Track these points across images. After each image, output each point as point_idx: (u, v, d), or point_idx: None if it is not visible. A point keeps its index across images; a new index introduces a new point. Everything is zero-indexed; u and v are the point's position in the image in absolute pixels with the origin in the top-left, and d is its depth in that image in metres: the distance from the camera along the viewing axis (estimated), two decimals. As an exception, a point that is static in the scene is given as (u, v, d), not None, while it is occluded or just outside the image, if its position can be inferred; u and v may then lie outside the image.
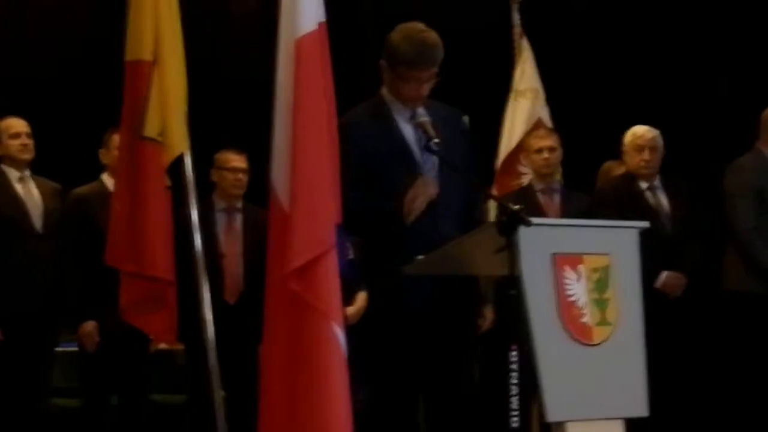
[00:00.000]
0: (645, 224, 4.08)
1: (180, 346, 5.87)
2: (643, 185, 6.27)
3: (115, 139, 5.66)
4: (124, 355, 5.75)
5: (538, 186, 6.26)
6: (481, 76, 7.61)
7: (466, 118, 4.49)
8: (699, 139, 7.48)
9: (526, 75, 7.27)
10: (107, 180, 5.88)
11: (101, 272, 4.94)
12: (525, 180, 6.84)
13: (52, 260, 5.79)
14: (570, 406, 3.77)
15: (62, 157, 6.78)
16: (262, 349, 4.07)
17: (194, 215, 4.56)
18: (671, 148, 6.38)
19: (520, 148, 6.98)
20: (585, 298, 3.86)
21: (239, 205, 6.08)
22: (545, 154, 6.21)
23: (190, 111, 4.53)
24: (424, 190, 4.04)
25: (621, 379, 3.89)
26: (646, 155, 6.24)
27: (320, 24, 3.98)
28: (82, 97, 7.41)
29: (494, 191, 6.67)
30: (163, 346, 6.08)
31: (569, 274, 3.84)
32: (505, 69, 7.32)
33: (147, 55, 4.42)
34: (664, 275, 6.08)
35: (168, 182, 4.56)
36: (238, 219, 6.06)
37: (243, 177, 6.04)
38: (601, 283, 3.90)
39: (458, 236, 4.01)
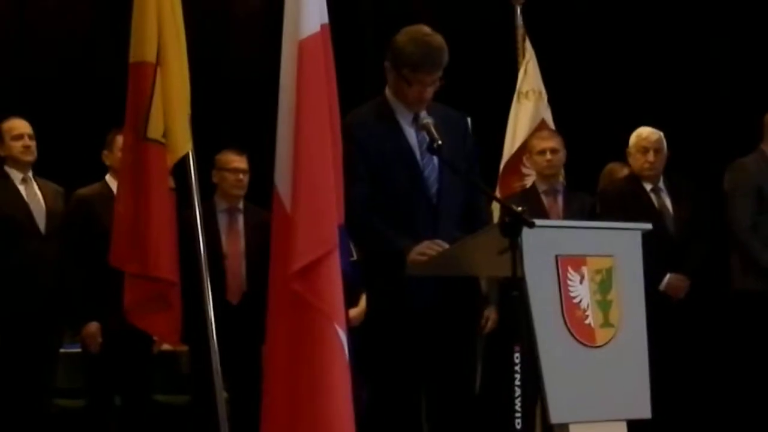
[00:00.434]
0: (648, 226, 4.08)
1: (183, 347, 5.87)
2: (648, 187, 6.27)
3: (118, 140, 5.68)
4: (127, 356, 5.75)
5: (542, 187, 6.26)
6: (484, 78, 7.61)
7: (468, 120, 4.50)
8: (702, 141, 7.48)
9: (529, 76, 7.26)
10: (111, 181, 5.88)
11: (104, 273, 4.96)
12: (528, 181, 6.83)
13: (55, 261, 5.78)
14: (573, 408, 3.78)
15: (65, 159, 6.78)
16: (265, 349, 4.08)
17: (198, 216, 4.56)
18: (675, 149, 6.38)
19: (524, 149, 6.98)
20: (588, 299, 3.86)
21: (241, 205, 6.09)
22: (548, 156, 6.21)
23: (192, 112, 4.53)
24: (434, 248, 4.02)
25: (624, 381, 3.89)
26: (650, 157, 6.25)
27: (323, 26, 4.00)
28: (84, 98, 7.40)
29: (498, 192, 6.67)
30: (166, 346, 6.08)
31: (572, 276, 3.84)
32: (509, 70, 7.32)
33: (151, 57, 4.43)
34: (668, 277, 6.08)
35: (172, 183, 4.57)
36: (240, 219, 6.06)
37: (244, 177, 6.05)
38: (604, 285, 3.90)
39: (460, 238, 4.01)
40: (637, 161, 6.30)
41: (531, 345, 3.70)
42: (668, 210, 6.25)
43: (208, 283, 4.54)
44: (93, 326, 5.75)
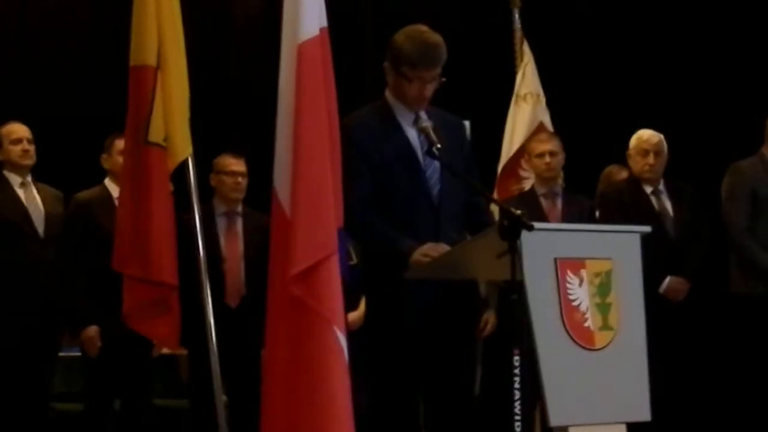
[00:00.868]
0: (647, 229, 4.08)
1: (183, 351, 5.87)
2: (648, 189, 6.28)
3: (117, 144, 5.69)
4: (127, 360, 5.74)
5: (540, 190, 6.26)
6: (482, 81, 7.62)
7: (467, 124, 4.51)
8: (702, 144, 7.48)
9: (527, 79, 7.27)
10: (110, 185, 5.89)
11: (104, 277, 4.96)
12: (526, 184, 6.84)
13: (54, 265, 5.78)
14: (572, 411, 3.78)
15: (64, 163, 6.78)
16: (264, 353, 4.08)
17: (198, 220, 4.57)
18: (675, 152, 6.38)
19: (522, 152, 6.99)
20: (587, 302, 3.87)
21: (239, 209, 6.09)
22: (547, 158, 6.21)
23: (191, 115, 4.54)
24: (437, 249, 4.02)
25: (623, 384, 3.89)
26: (650, 159, 6.25)
27: (322, 29, 4.00)
28: (83, 102, 7.41)
29: (495, 195, 6.68)
30: (165, 350, 6.08)
31: (571, 279, 3.84)
32: (507, 73, 7.32)
33: (151, 61, 4.43)
34: (668, 280, 6.09)
35: (171, 187, 4.57)
36: (239, 223, 6.06)
37: (242, 181, 6.05)
38: (603, 288, 3.90)
39: (458, 241, 4.01)
40: (637, 164, 6.30)
41: (530, 348, 3.70)
42: (668, 212, 6.25)
43: (208, 286, 4.54)
44: (92, 330, 5.74)
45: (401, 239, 4.03)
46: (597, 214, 6.27)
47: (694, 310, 6.15)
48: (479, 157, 4.45)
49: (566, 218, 6.05)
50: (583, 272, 3.87)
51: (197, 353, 5.27)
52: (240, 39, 8.03)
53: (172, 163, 4.48)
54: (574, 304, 3.84)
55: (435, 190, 4.16)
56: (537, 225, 3.70)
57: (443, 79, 4.17)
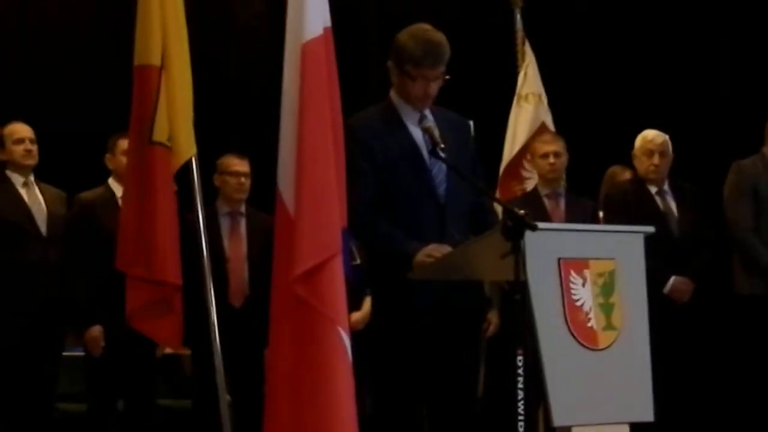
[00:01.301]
0: (650, 229, 4.08)
1: (186, 351, 5.87)
2: (653, 190, 6.28)
3: (121, 144, 5.69)
4: (130, 360, 5.75)
5: (544, 191, 6.26)
6: (484, 81, 7.62)
7: (471, 124, 4.51)
8: (706, 144, 7.48)
9: (528, 80, 7.28)
10: (113, 185, 5.89)
11: (107, 277, 4.96)
12: (528, 184, 6.85)
13: (57, 265, 5.79)
14: (575, 411, 3.78)
15: (68, 163, 6.78)
16: (268, 353, 4.08)
17: (201, 220, 4.57)
18: (679, 152, 6.38)
19: (524, 152, 6.99)
20: (591, 302, 3.87)
21: (243, 209, 6.10)
22: (551, 159, 6.21)
23: (194, 115, 4.54)
24: (440, 250, 4.02)
25: (626, 384, 3.89)
26: (655, 160, 6.25)
27: (326, 29, 4.00)
28: (86, 102, 7.41)
29: (498, 196, 6.68)
30: (169, 350, 6.08)
31: (575, 279, 3.84)
32: (508, 74, 7.33)
33: (155, 60, 4.44)
34: (672, 280, 6.09)
35: (175, 187, 4.58)
36: (242, 223, 6.07)
37: (245, 181, 6.06)
38: (606, 288, 3.90)
39: (461, 241, 4.01)
40: (642, 164, 6.29)
41: (533, 348, 3.70)
42: (673, 213, 6.24)
43: (212, 286, 4.54)
44: (96, 330, 5.75)
45: (405, 240, 4.03)
46: (600, 214, 6.27)
47: (697, 310, 6.15)
48: (481, 158, 4.45)
49: (570, 219, 6.05)
50: (587, 272, 3.87)
51: (200, 353, 5.27)
52: (244, 39, 8.04)
53: (176, 163, 4.48)
54: (578, 304, 3.84)
55: (441, 189, 4.16)
56: (540, 225, 3.70)
57: (447, 78, 4.17)
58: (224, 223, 6.04)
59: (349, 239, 4.14)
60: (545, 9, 7.71)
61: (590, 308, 3.86)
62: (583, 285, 3.86)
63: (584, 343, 3.83)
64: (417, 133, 4.18)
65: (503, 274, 3.75)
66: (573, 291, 3.83)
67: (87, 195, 5.94)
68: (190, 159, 4.53)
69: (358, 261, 5.42)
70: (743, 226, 6.10)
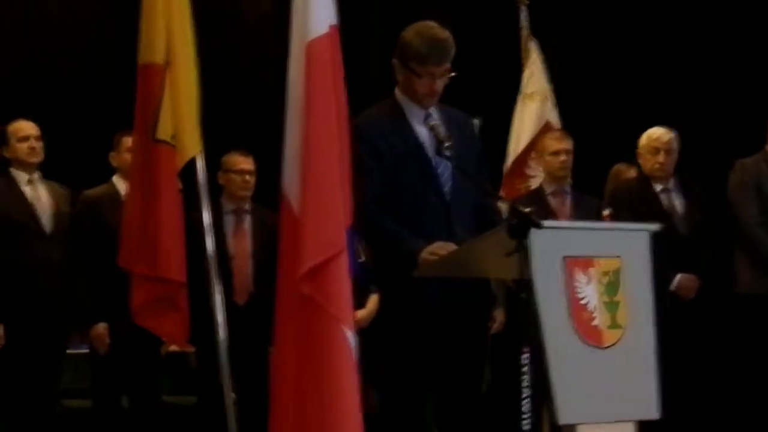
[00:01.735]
0: (656, 227, 4.07)
1: (191, 348, 5.88)
2: (658, 187, 6.27)
3: (125, 141, 5.70)
4: (135, 357, 5.75)
5: (549, 189, 6.25)
6: (489, 79, 7.61)
7: (477, 121, 4.51)
8: (711, 141, 7.47)
9: (534, 77, 7.28)
10: (118, 182, 5.89)
11: (111, 274, 4.97)
12: (533, 183, 6.84)
13: (61, 262, 5.79)
14: (581, 409, 3.77)
15: (72, 161, 6.79)
16: (273, 351, 4.08)
17: (207, 218, 4.57)
18: (685, 150, 6.37)
19: (528, 151, 6.98)
20: (596, 300, 3.86)
21: (247, 206, 6.10)
22: (562, 157, 6.20)
23: (200, 113, 4.54)
24: (445, 248, 4.02)
25: (632, 382, 3.88)
26: (661, 157, 6.25)
27: (331, 27, 3.99)
28: (91, 99, 7.42)
29: (502, 194, 6.67)
30: (174, 348, 6.08)
31: (580, 277, 3.84)
32: (514, 71, 7.32)
33: (160, 58, 4.44)
34: (678, 278, 6.09)
35: (180, 185, 4.58)
36: (247, 220, 6.07)
37: (250, 179, 6.06)
38: (611, 286, 3.90)
39: (466, 240, 4.01)
40: (647, 162, 6.29)
41: (539, 346, 3.70)
42: (678, 210, 6.24)
43: (217, 284, 4.54)
44: (101, 327, 5.75)
45: (410, 238, 4.03)
46: (605, 212, 6.26)
47: (704, 307, 6.14)
48: (485, 156, 4.45)
49: (576, 217, 6.04)
50: (592, 270, 3.87)
51: (205, 350, 5.27)
52: (249, 37, 8.04)
53: (181, 161, 4.49)
54: (583, 302, 3.84)
55: (446, 186, 4.16)
56: (545, 223, 3.69)
57: (453, 74, 4.17)
58: (229, 221, 6.04)
59: (354, 237, 4.14)
60: (550, 6, 7.70)
61: (595, 306, 3.85)
62: (588, 283, 3.85)
63: (589, 342, 3.82)
64: (422, 132, 4.18)
65: (508, 272, 3.74)
66: (578, 289, 3.83)
67: (91, 192, 5.94)
68: (196, 157, 4.53)
69: (363, 258, 5.42)
70: (751, 221, 6.10)
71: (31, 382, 5.82)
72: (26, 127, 5.96)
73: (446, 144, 4.03)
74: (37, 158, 5.96)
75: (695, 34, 7.90)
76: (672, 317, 4.94)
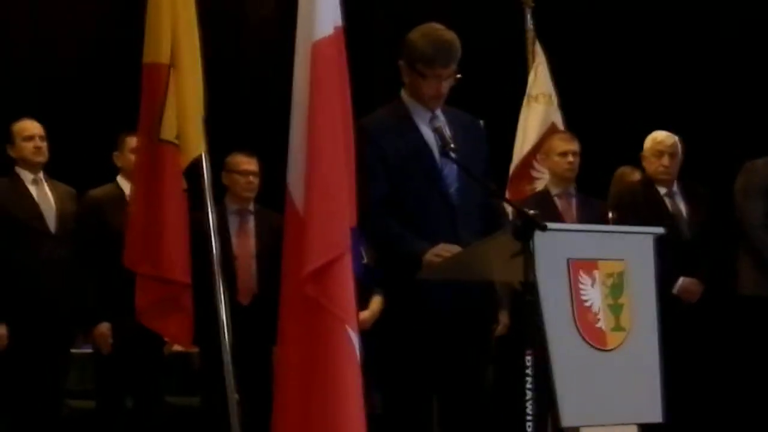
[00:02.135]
0: (660, 230, 4.08)
1: (195, 349, 5.88)
2: (662, 191, 6.27)
3: (129, 141, 5.70)
4: (139, 357, 5.76)
5: (555, 191, 6.24)
6: (494, 81, 7.60)
7: (482, 123, 4.51)
8: (715, 145, 7.47)
9: (539, 80, 7.27)
10: (122, 182, 5.90)
11: (116, 274, 4.97)
12: (538, 185, 6.83)
13: (66, 262, 5.79)
14: (585, 412, 3.78)
15: (77, 160, 6.79)
16: (277, 352, 4.08)
17: (211, 218, 4.57)
18: (689, 153, 6.37)
19: (534, 152, 6.98)
20: (600, 303, 3.86)
21: (251, 207, 6.11)
22: (570, 158, 6.19)
23: (205, 114, 4.54)
24: (449, 250, 4.02)
25: (635, 385, 3.89)
26: (665, 161, 6.25)
27: (337, 28, 4.00)
28: (96, 99, 7.42)
29: (507, 196, 6.67)
30: (178, 348, 6.08)
31: (584, 280, 3.84)
32: (519, 74, 7.32)
33: (164, 58, 4.44)
34: (681, 281, 6.08)
35: (185, 185, 4.58)
36: (251, 221, 6.08)
37: (254, 180, 6.06)
38: (615, 289, 3.90)
39: (477, 240, 4.01)
40: (651, 165, 6.29)
41: (542, 348, 3.70)
42: (682, 214, 6.24)
43: (221, 285, 4.54)
44: (104, 327, 5.76)
45: (414, 240, 4.03)
46: (609, 215, 6.26)
47: (708, 311, 6.14)
48: (490, 158, 4.44)
49: (582, 219, 6.04)
50: (596, 273, 3.87)
51: (209, 351, 5.27)
52: (254, 37, 8.04)
53: (185, 161, 4.48)
54: (587, 304, 3.84)
55: (452, 188, 4.15)
56: (550, 225, 3.69)
57: (458, 76, 4.17)
58: (233, 221, 6.05)
59: (359, 238, 4.14)
60: (556, 9, 7.70)
61: (599, 309, 3.86)
62: (592, 285, 3.85)
63: (593, 344, 3.83)
64: (428, 133, 4.17)
65: (512, 275, 3.74)
66: (582, 291, 3.83)
67: (96, 192, 5.95)
68: (200, 157, 4.53)
69: (366, 260, 5.41)
70: (756, 224, 6.10)
71: (36, 381, 5.82)
72: (31, 127, 5.97)
73: (451, 145, 4.03)
74: (42, 158, 5.96)
75: (701, 36, 7.89)
76: (676, 320, 4.92)
